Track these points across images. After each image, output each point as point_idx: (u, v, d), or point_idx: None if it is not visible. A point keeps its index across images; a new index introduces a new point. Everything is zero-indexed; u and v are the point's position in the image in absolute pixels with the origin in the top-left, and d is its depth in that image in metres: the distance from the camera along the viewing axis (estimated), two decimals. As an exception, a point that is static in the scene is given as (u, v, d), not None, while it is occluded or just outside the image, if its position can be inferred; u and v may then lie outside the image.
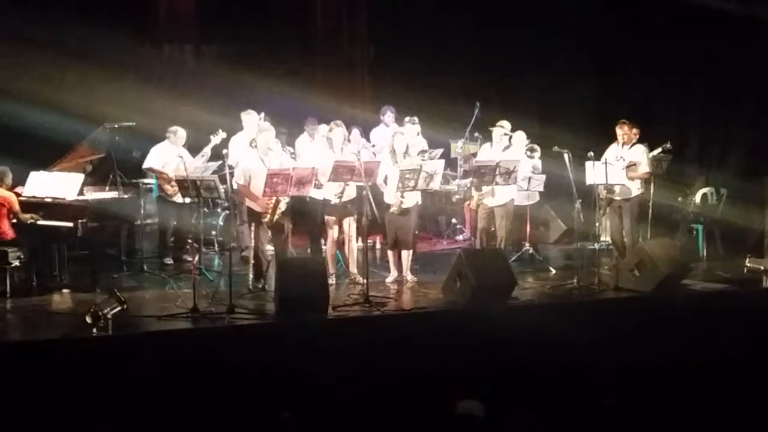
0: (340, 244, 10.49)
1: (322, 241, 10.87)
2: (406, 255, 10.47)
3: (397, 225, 10.25)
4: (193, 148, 11.26)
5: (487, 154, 11.21)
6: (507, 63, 14.68)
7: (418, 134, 11.79)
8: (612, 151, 11.13)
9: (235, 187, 10.08)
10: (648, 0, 13.36)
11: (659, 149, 11.88)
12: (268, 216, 9.70)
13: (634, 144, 11.22)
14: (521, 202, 11.66)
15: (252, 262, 10.09)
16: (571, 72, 14.65)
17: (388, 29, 14.69)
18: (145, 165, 11.26)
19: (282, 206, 9.73)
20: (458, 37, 14.65)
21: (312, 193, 10.17)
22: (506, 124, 11.25)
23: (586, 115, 14.26)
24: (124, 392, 7.67)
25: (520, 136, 11.66)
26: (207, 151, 11.05)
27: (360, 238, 10.59)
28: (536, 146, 11.60)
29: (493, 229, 11.12)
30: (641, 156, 11.14)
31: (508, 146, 11.19)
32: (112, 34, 12.15)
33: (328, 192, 10.11)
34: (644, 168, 11.15)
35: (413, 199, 10.28)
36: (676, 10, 13.34)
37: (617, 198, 11.08)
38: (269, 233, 9.95)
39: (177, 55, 14.22)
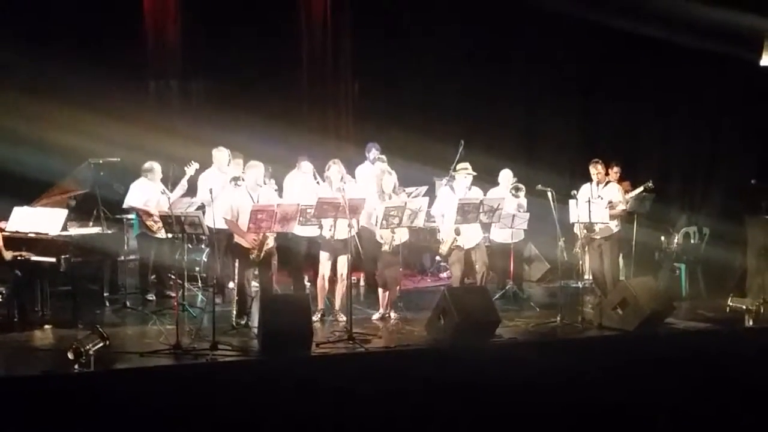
0: (330, 281, 10.45)
1: (306, 278, 10.87)
2: (393, 293, 10.48)
3: (387, 263, 10.26)
4: (177, 183, 11.27)
5: (449, 197, 10.87)
6: (492, 101, 14.79)
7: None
8: (586, 191, 11.21)
9: (217, 224, 10.10)
10: (633, 41, 13.47)
11: (641, 188, 11.96)
12: (255, 252, 9.70)
13: (608, 183, 11.33)
14: (505, 240, 11.70)
15: (236, 298, 10.08)
16: (556, 111, 14.78)
17: (373, 66, 14.76)
18: (126, 204, 11.22)
19: (269, 242, 9.74)
20: (443, 75, 14.74)
21: (297, 230, 10.19)
22: (468, 165, 11.07)
23: (570, 154, 14.37)
24: (105, 429, 7.61)
25: (507, 174, 11.71)
26: (184, 183, 11.11)
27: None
28: (521, 185, 11.65)
29: (477, 266, 11.11)
30: (617, 194, 11.27)
31: (470, 188, 11.04)
32: (98, 70, 12.17)
33: (326, 229, 10.10)
34: (621, 206, 11.26)
35: (403, 236, 10.30)
36: (661, 52, 13.51)
37: (597, 237, 11.15)
38: (255, 269, 9.94)
39: (163, 91, 14.24)
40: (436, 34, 14.69)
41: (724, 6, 12.51)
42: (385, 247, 10.17)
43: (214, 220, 10.15)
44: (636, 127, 14.48)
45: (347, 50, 15.14)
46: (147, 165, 11.27)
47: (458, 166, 11.11)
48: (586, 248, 11.42)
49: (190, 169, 11.07)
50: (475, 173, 10.99)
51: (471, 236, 10.78)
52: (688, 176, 14.12)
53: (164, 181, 11.31)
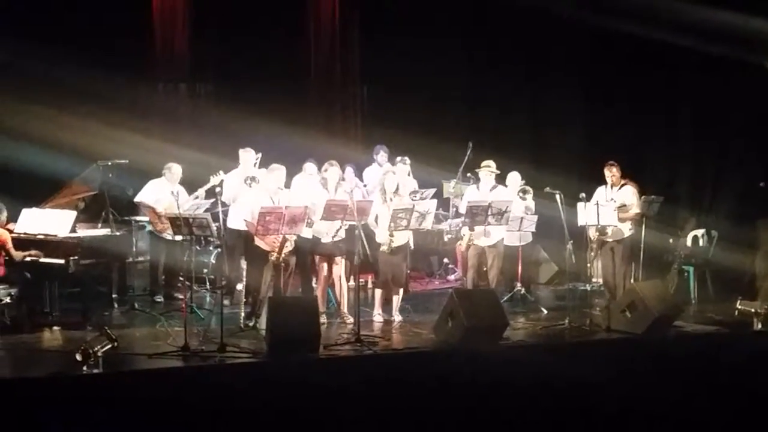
0: (330, 282, 10.48)
1: (314, 280, 10.87)
2: (397, 295, 10.48)
3: (389, 264, 10.26)
4: (187, 186, 11.26)
5: (475, 195, 11.14)
6: (499, 104, 14.80)
7: (408, 174, 11.86)
8: (601, 193, 11.20)
9: (233, 225, 10.12)
10: (640, 44, 13.45)
11: None
12: (275, 254, 9.70)
13: (623, 185, 11.29)
14: (513, 243, 11.68)
15: (243, 300, 10.08)
16: (564, 113, 14.76)
17: (381, 69, 14.76)
18: (137, 198, 11.25)
19: (289, 245, 9.74)
20: (451, 78, 14.73)
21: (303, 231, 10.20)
22: (492, 164, 11.22)
23: (578, 156, 14.35)
24: (114, 431, 7.62)
25: (515, 177, 11.70)
26: (201, 192, 11.05)
27: (352, 278, 10.58)
28: (528, 188, 11.64)
29: (484, 269, 11.14)
30: (631, 197, 11.23)
31: (495, 186, 11.14)
32: (107, 72, 12.19)
33: (320, 230, 10.11)
34: (635, 209, 11.22)
35: (404, 238, 10.30)
36: (669, 54, 13.48)
37: (609, 239, 11.12)
38: (272, 271, 9.91)
39: (171, 93, 14.26)
40: (443, 38, 14.68)
41: (731, 10, 12.50)
42: (383, 248, 10.17)
43: (228, 220, 10.17)
44: (644, 129, 14.45)
45: (355, 54, 15.15)
46: (168, 164, 11.28)
47: (482, 164, 11.18)
48: (598, 251, 11.40)
49: (215, 179, 11.02)
50: (498, 171, 11.07)
51: (489, 232, 10.85)
52: (696, 179, 14.09)
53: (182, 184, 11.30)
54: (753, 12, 12.49)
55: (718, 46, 12.57)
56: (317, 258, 10.33)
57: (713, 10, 12.53)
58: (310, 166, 11.17)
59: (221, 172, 11.08)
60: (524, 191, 11.62)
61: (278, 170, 10.08)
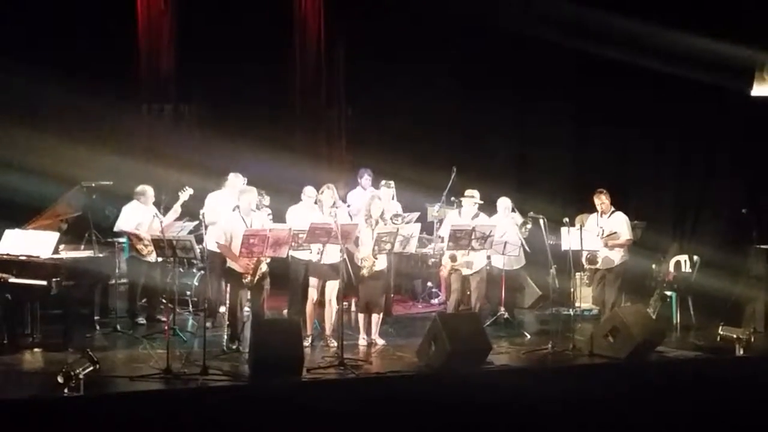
0: (320, 306, 10.44)
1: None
2: (376, 318, 10.48)
3: (368, 288, 10.25)
4: (169, 207, 11.25)
5: (456, 221, 11.15)
6: (485, 128, 14.84)
7: (392, 198, 11.87)
8: (593, 221, 11.23)
9: (213, 247, 10.09)
10: (626, 69, 13.54)
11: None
12: (249, 276, 9.69)
13: (613, 212, 11.33)
14: (497, 265, 11.67)
15: (227, 322, 10.06)
16: (549, 138, 14.82)
17: (366, 92, 14.80)
18: (117, 228, 11.20)
19: (263, 267, 9.73)
20: (436, 100, 14.78)
21: (296, 254, 10.18)
22: (476, 194, 11.24)
23: (562, 181, 14.40)
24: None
25: (505, 202, 11.67)
26: (177, 207, 11.08)
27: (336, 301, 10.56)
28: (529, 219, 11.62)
29: (468, 293, 11.15)
30: (622, 225, 11.26)
31: (477, 214, 11.16)
32: (91, 93, 12.17)
33: (314, 253, 10.10)
34: (626, 236, 11.26)
35: (382, 263, 10.30)
36: (654, 80, 13.58)
37: (601, 268, 11.15)
38: (248, 294, 9.92)
39: (156, 114, 14.26)
40: (429, 62, 14.73)
41: (716, 38, 12.61)
42: (364, 271, 10.17)
43: (206, 242, 10.13)
44: (628, 155, 14.54)
45: (340, 77, 15.17)
46: (139, 188, 11.27)
47: (466, 192, 11.19)
48: (593, 281, 11.42)
49: (184, 195, 11.06)
50: (481, 202, 11.09)
51: (471, 263, 10.85)
52: (679, 204, 14.16)
53: (157, 205, 11.31)
54: (736, 40, 12.61)
55: (702, 72, 12.67)
56: (311, 280, 10.29)
57: (699, 38, 12.64)
58: (309, 190, 11.16)
59: (187, 187, 11.08)
60: (525, 223, 11.62)
61: (249, 192, 10.09)
